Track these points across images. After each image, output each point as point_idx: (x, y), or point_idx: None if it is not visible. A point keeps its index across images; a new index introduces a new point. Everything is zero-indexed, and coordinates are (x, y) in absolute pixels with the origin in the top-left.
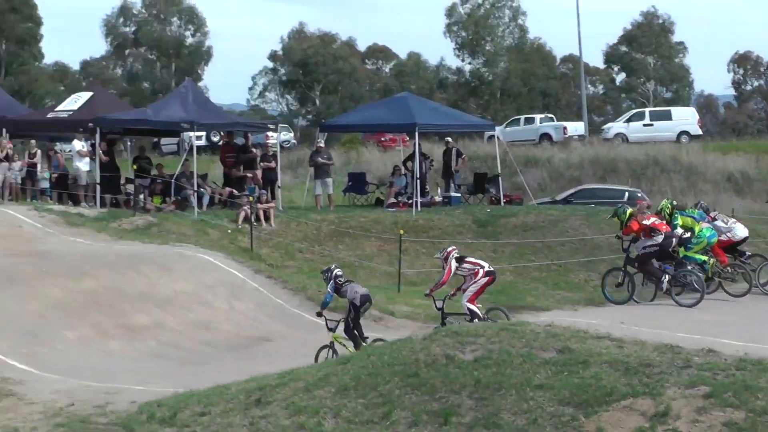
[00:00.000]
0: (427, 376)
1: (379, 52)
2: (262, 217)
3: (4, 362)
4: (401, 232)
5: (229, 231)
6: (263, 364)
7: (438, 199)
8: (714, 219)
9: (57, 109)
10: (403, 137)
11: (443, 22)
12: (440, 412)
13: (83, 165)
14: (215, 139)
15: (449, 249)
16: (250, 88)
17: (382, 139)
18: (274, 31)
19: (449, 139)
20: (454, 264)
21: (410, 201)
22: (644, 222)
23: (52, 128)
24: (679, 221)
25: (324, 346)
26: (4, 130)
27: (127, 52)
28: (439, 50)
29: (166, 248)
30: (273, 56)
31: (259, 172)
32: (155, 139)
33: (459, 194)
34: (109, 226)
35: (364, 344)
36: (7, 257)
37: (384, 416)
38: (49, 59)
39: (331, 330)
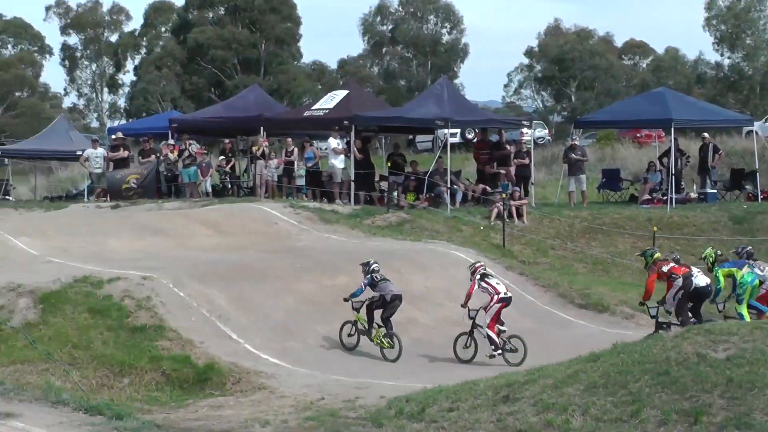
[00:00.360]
0: (678, 375)
1: (636, 47)
2: (514, 214)
3: (257, 356)
4: (655, 228)
5: (482, 228)
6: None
7: (693, 195)
8: (752, 267)
9: (313, 107)
10: (659, 133)
11: (702, 16)
12: (690, 411)
13: (338, 162)
14: (470, 136)
15: (477, 265)
16: (506, 85)
17: (638, 135)
18: (530, 27)
19: (706, 134)
20: (477, 279)
21: (665, 197)
22: (663, 269)
23: (308, 126)
24: (720, 274)
25: (347, 322)
26: (261, 129)
27: (383, 50)
28: (697, 45)
29: (418, 245)
30: (529, 53)
31: (512, 169)
32: (410, 137)
33: (715, 190)
34: (362, 223)
35: (376, 330)
36: (262, 253)
37: (633, 414)
38: (307, 58)
39: (356, 310)
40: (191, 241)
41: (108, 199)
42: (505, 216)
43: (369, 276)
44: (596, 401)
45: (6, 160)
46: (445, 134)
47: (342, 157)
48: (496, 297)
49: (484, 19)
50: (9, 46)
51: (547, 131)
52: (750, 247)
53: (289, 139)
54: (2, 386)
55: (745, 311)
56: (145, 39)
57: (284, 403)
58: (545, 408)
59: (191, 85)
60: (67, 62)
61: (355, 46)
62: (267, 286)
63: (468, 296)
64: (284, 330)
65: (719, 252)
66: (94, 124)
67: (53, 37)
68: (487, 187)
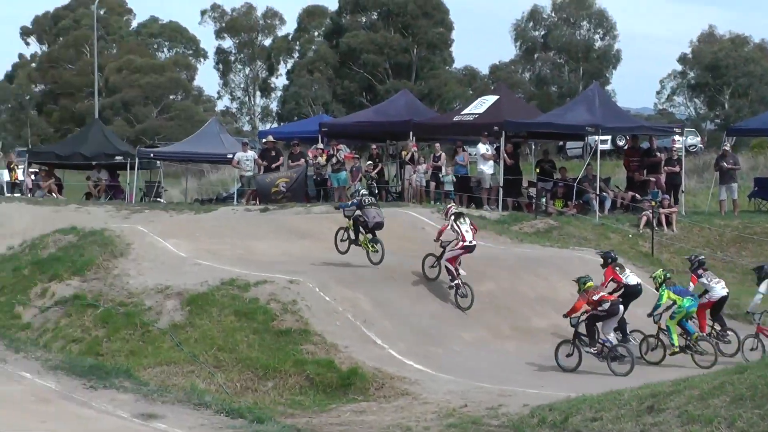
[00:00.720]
0: None
1: None
2: (664, 222)
3: (401, 362)
4: None
5: (630, 235)
6: (658, 371)
7: None
8: (700, 276)
9: (463, 112)
10: None
11: None
12: None
13: (487, 168)
14: (620, 143)
15: (449, 206)
16: (658, 92)
17: None
18: (683, 33)
19: None
20: (451, 220)
21: None
22: (593, 297)
23: (458, 131)
24: (665, 297)
25: (341, 228)
26: (410, 133)
27: (535, 56)
28: None
29: (565, 252)
30: (682, 59)
31: (662, 177)
32: (560, 143)
33: None
34: (509, 229)
35: (363, 236)
36: (409, 258)
37: None
38: (458, 63)
39: (348, 217)
40: None
41: (257, 202)
42: (655, 224)
43: (357, 199)
44: (743, 414)
45: (158, 162)
46: (596, 141)
47: (491, 162)
48: (460, 243)
49: (637, 25)
50: (165, 49)
51: (699, 139)
52: (702, 257)
53: (437, 144)
54: (146, 387)
55: (673, 327)
56: (298, 43)
57: (427, 410)
58: (690, 420)
59: (343, 89)
60: (220, 66)
61: (507, 51)
62: (412, 290)
63: (439, 233)
64: (428, 335)
65: (668, 275)
66: (246, 127)
67: (208, 41)
68: (637, 195)
